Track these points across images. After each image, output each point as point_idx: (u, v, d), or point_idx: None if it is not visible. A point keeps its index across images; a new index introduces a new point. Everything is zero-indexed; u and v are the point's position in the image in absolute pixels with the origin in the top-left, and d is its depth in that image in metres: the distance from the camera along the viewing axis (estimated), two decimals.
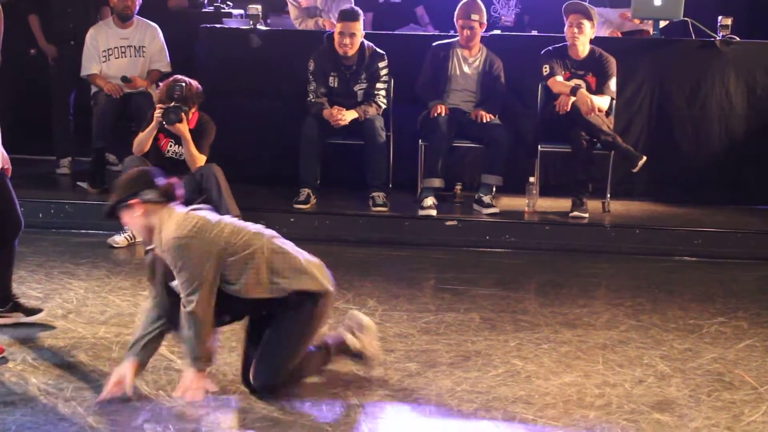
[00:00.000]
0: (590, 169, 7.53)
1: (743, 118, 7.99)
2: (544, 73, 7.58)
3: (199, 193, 7.11)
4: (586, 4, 7.67)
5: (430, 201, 7.33)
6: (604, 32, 8.53)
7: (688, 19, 8.11)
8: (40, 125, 8.48)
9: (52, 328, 5.06)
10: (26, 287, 5.47)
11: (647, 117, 8.10)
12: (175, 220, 4.20)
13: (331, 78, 7.58)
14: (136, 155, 7.05)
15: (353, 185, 7.75)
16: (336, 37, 7.47)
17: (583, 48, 7.56)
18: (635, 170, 7.43)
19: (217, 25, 8.45)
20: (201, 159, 7.05)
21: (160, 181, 4.32)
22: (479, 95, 7.73)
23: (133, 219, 4.28)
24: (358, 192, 7.61)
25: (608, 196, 7.66)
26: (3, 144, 4.80)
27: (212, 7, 9.52)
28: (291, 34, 8.54)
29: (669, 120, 8.08)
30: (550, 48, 7.66)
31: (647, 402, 4.34)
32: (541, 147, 7.68)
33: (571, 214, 7.38)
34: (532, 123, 7.87)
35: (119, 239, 6.83)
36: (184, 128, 6.97)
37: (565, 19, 7.56)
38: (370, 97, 7.58)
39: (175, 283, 4.16)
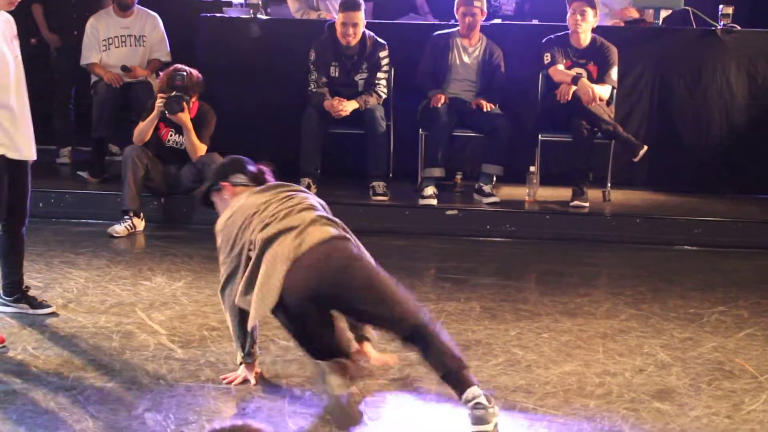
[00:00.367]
0: (591, 158, 7.52)
1: (744, 107, 7.98)
2: (545, 62, 7.57)
3: (200, 181, 7.12)
4: None
5: (430, 190, 7.33)
6: (607, 22, 8.51)
7: (689, 8, 8.10)
8: (40, 115, 8.45)
9: (53, 317, 5.06)
10: (27, 276, 5.46)
11: (648, 106, 8.09)
12: (233, 204, 4.23)
13: (332, 68, 7.57)
14: (137, 145, 7.06)
15: (354, 175, 7.74)
16: (338, 27, 7.46)
17: (585, 36, 7.54)
18: (636, 159, 7.43)
19: (218, 15, 8.43)
20: (202, 148, 7.06)
21: (251, 167, 4.40)
22: (479, 85, 7.72)
23: (222, 201, 4.34)
24: (359, 181, 7.60)
25: (609, 185, 7.66)
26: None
27: None
28: (291, 23, 8.53)
29: (670, 109, 8.07)
30: (551, 36, 7.65)
31: (647, 391, 4.34)
32: (541, 136, 7.68)
33: (571, 204, 7.37)
34: (532, 112, 7.86)
35: (119, 229, 6.83)
36: (185, 118, 6.98)
37: (568, 6, 7.54)
38: (370, 86, 7.57)
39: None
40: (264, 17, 8.25)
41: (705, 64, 8.00)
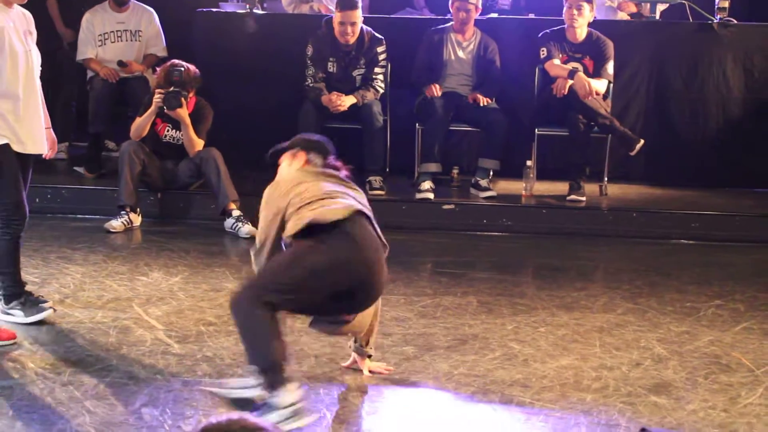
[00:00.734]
0: (587, 152, 7.53)
1: (740, 101, 7.98)
2: (542, 56, 7.57)
3: (197, 177, 7.13)
4: None
5: (427, 185, 7.33)
6: (613, 16, 8.50)
7: (686, 2, 8.09)
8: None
9: (50, 312, 5.05)
10: (23, 272, 5.45)
11: (644, 100, 8.10)
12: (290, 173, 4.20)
13: (329, 63, 7.56)
14: (134, 140, 7.06)
15: (350, 169, 7.71)
16: (336, 27, 7.43)
17: (581, 31, 7.54)
18: (633, 153, 7.43)
19: (213, 9, 8.42)
20: (199, 143, 7.07)
21: (333, 158, 4.37)
22: (475, 79, 7.72)
23: (285, 168, 4.27)
24: (356, 176, 7.53)
25: (605, 179, 7.66)
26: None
27: None
28: (287, 17, 8.52)
29: (666, 103, 8.07)
30: (547, 31, 7.64)
31: (644, 385, 4.34)
32: (538, 130, 7.68)
33: (568, 198, 7.38)
34: (529, 106, 7.86)
35: (116, 224, 6.82)
36: (184, 113, 6.98)
37: (564, 1, 7.54)
38: (368, 82, 7.57)
39: None
40: (260, 12, 8.24)
41: (701, 57, 8.00)
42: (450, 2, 7.65)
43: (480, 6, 7.65)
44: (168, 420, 3.85)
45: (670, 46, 8.05)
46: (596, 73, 7.50)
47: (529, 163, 7.55)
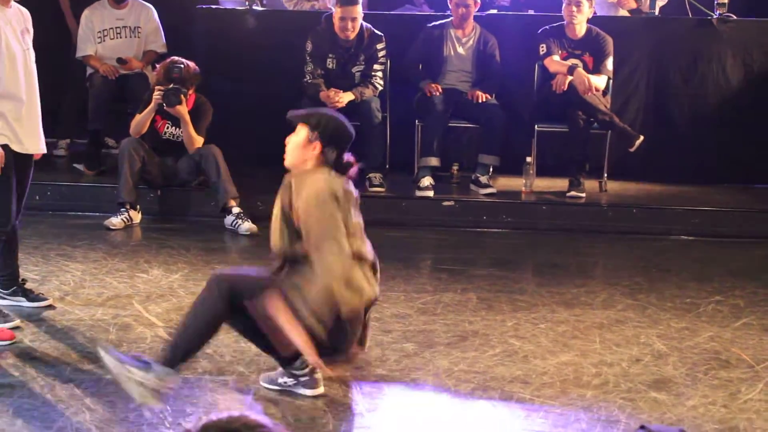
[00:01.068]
0: (587, 148, 7.52)
1: (740, 97, 7.98)
2: (541, 53, 7.56)
3: (197, 173, 7.13)
4: None
5: (427, 181, 7.33)
6: (613, 12, 8.49)
7: None
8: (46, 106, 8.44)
9: (50, 309, 5.06)
10: (23, 269, 5.45)
11: (644, 96, 8.09)
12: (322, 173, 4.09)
13: (328, 59, 7.55)
14: (134, 137, 7.05)
15: (358, 165, 7.71)
16: (336, 22, 7.42)
17: (581, 27, 7.54)
18: (632, 149, 7.43)
19: (213, 6, 8.41)
20: (199, 140, 7.06)
21: (348, 154, 4.22)
22: (475, 75, 7.72)
23: (304, 156, 4.16)
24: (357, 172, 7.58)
25: (605, 175, 7.65)
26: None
27: None
28: (287, 14, 8.51)
29: (666, 99, 8.07)
30: (546, 27, 7.64)
31: (644, 381, 4.35)
32: (537, 127, 7.67)
33: (568, 194, 7.38)
34: (528, 103, 7.85)
35: (116, 221, 6.82)
36: (183, 110, 6.98)
37: None
38: (367, 78, 7.56)
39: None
40: (259, 8, 8.23)
41: (701, 53, 8.00)
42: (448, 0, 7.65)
43: (479, 0, 7.64)
44: (168, 417, 3.86)
45: (670, 42, 8.05)
46: (596, 69, 7.49)
47: (528, 159, 7.54)
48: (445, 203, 7.29)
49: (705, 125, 8.02)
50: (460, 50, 7.71)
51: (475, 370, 4.41)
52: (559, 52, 7.54)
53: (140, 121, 7.04)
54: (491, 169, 7.58)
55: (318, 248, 3.87)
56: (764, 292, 5.72)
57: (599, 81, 7.43)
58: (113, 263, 5.98)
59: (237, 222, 6.84)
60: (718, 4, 7.86)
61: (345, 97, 7.39)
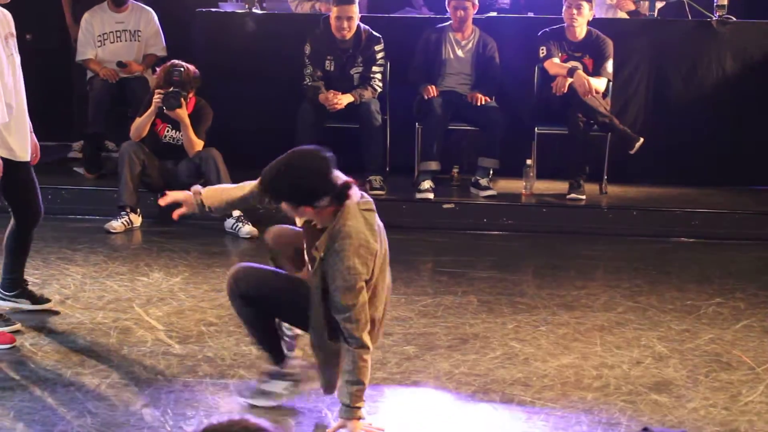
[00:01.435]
0: (587, 151, 7.52)
1: (740, 99, 7.98)
2: (541, 55, 7.56)
3: (197, 177, 7.12)
4: None
5: (427, 184, 7.33)
6: (609, 14, 8.50)
7: (685, 0, 8.09)
8: (38, 110, 8.45)
9: (50, 313, 5.06)
10: (24, 273, 5.46)
11: (644, 98, 8.09)
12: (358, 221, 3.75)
13: (327, 61, 7.56)
14: (134, 140, 7.06)
15: (350, 169, 7.67)
16: (333, 21, 7.44)
17: (581, 30, 7.54)
18: (632, 152, 7.43)
19: (213, 9, 8.42)
20: (199, 144, 7.06)
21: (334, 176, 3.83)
22: (474, 77, 7.72)
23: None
24: (355, 175, 7.54)
25: (605, 177, 7.65)
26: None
27: None
28: (287, 17, 8.52)
29: (666, 101, 8.07)
30: (546, 30, 7.64)
31: (645, 383, 4.35)
32: (537, 129, 7.68)
33: (568, 197, 7.38)
34: (528, 105, 7.85)
35: (116, 225, 6.82)
36: (183, 113, 6.98)
37: (563, 0, 7.53)
38: (366, 80, 7.56)
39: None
40: (259, 11, 8.24)
41: (700, 55, 8.00)
42: (447, 1, 7.65)
43: (477, 3, 7.64)
44: (169, 421, 3.86)
45: (670, 44, 8.05)
46: (596, 71, 7.49)
47: (528, 161, 7.55)
48: (446, 206, 7.29)
49: (705, 127, 8.02)
50: (460, 53, 7.71)
51: (476, 373, 4.41)
52: (559, 54, 7.54)
53: (140, 125, 7.04)
54: (491, 172, 7.59)
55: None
56: (765, 294, 5.72)
57: (599, 83, 7.43)
58: (114, 266, 5.98)
59: (237, 225, 6.84)
60: (717, 6, 7.86)
61: (344, 100, 7.40)
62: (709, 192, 7.76)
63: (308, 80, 7.51)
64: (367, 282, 3.67)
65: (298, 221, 3.97)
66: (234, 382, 4.25)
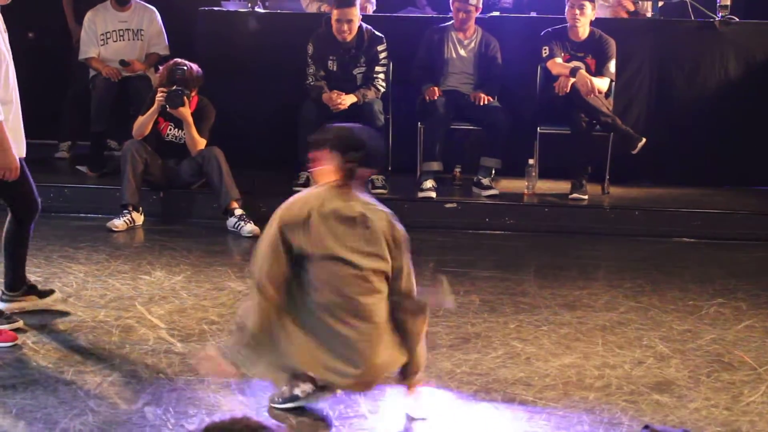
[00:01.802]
0: (589, 151, 7.52)
1: (742, 99, 7.98)
2: (544, 55, 7.56)
3: (199, 176, 7.14)
4: None
5: (429, 184, 7.34)
6: (603, 14, 8.50)
7: (688, 0, 8.09)
8: (38, 109, 8.46)
9: (53, 311, 5.06)
10: (26, 271, 5.46)
11: (647, 98, 8.10)
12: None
13: (330, 61, 7.56)
14: (136, 139, 7.06)
15: None
16: (333, 24, 7.44)
17: (583, 30, 7.54)
18: (635, 152, 7.43)
19: (216, 8, 8.42)
20: (201, 142, 7.07)
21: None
22: (477, 77, 7.72)
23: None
24: None
25: (607, 177, 7.66)
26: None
27: None
28: (289, 16, 8.53)
29: (668, 101, 8.07)
30: (549, 29, 7.64)
31: (647, 383, 4.35)
32: (540, 129, 7.68)
33: (570, 196, 7.38)
34: (531, 105, 7.85)
35: (119, 223, 6.83)
36: (186, 112, 6.99)
37: (566, 0, 7.54)
38: (369, 80, 7.56)
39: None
40: (262, 11, 8.24)
41: (703, 55, 8.00)
42: (450, 1, 7.65)
43: (480, 6, 7.64)
44: (171, 419, 3.86)
45: (672, 44, 8.05)
46: (598, 71, 7.49)
47: (531, 161, 7.55)
48: (448, 205, 7.29)
49: (707, 127, 8.02)
50: (462, 52, 7.71)
51: (478, 372, 4.41)
52: (562, 54, 7.54)
53: (143, 123, 7.05)
54: (493, 172, 7.59)
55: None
56: (767, 294, 5.72)
57: (602, 83, 7.43)
58: (116, 265, 5.99)
59: (239, 224, 6.84)
60: (720, 6, 7.86)
61: (347, 99, 7.40)
62: (712, 192, 7.76)
63: (311, 80, 7.52)
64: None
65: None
66: (235, 381, 4.25)
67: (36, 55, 8.66)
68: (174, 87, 6.95)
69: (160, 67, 7.26)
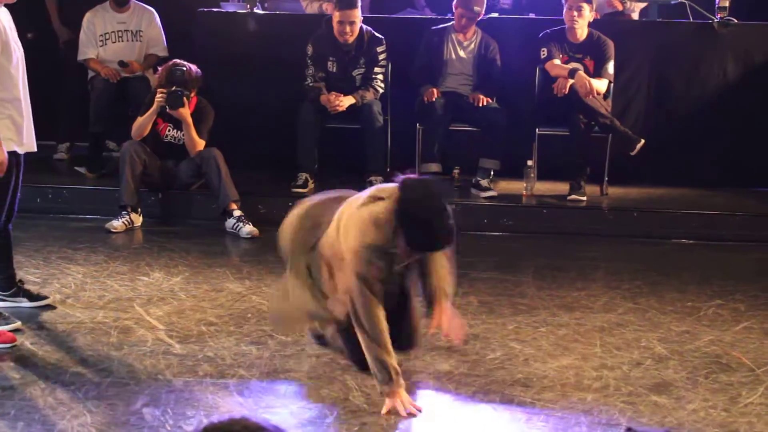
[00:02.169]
0: (588, 152, 7.52)
1: (741, 101, 7.98)
2: (542, 57, 7.57)
3: (198, 177, 7.14)
4: None
5: None
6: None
7: (686, 1, 8.09)
8: (37, 109, 8.45)
9: (51, 312, 5.06)
10: (24, 272, 5.47)
11: (645, 100, 8.09)
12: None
13: (329, 63, 7.57)
14: (135, 140, 7.06)
15: (351, 169, 7.74)
16: (335, 25, 7.44)
17: (582, 31, 7.54)
18: (633, 153, 7.43)
19: (215, 9, 8.42)
20: (200, 143, 7.07)
21: None
22: (476, 78, 7.72)
23: None
24: (356, 176, 7.59)
25: (606, 179, 7.66)
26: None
27: None
28: (288, 17, 8.52)
29: (667, 103, 8.07)
30: (548, 31, 7.64)
31: (645, 384, 4.35)
32: (538, 130, 7.68)
33: (568, 198, 7.38)
34: (529, 106, 7.85)
35: (117, 224, 6.83)
36: (186, 113, 6.99)
37: (564, 1, 7.54)
38: (367, 81, 7.57)
39: None
40: (260, 11, 8.24)
41: (702, 57, 8.00)
42: (454, 5, 7.64)
43: (483, 12, 7.65)
44: (169, 420, 3.86)
45: (671, 45, 8.05)
46: (597, 73, 7.50)
47: (529, 162, 7.55)
48: None
49: (706, 129, 8.02)
50: (462, 53, 7.71)
51: (476, 374, 4.42)
52: (560, 55, 7.54)
53: (142, 124, 7.05)
54: (492, 173, 7.59)
55: None
56: (765, 295, 5.72)
57: (600, 84, 7.43)
58: (114, 266, 5.99)
59: (238, 225, 6.84)
60: (719, 7, 7.86)
61: (346, 101, 7.41)
62: (710, 194, 7.76)
63: (309, 81, 7.52)
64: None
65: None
66: (234, 382, 4.25)
67: (35, 56, 8.64)
68: (174, 88, 6.94)
69: (159, 68, 7.26)
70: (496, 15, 8.43)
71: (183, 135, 7.10)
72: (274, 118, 8.04)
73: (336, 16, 7.42)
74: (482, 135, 7.66)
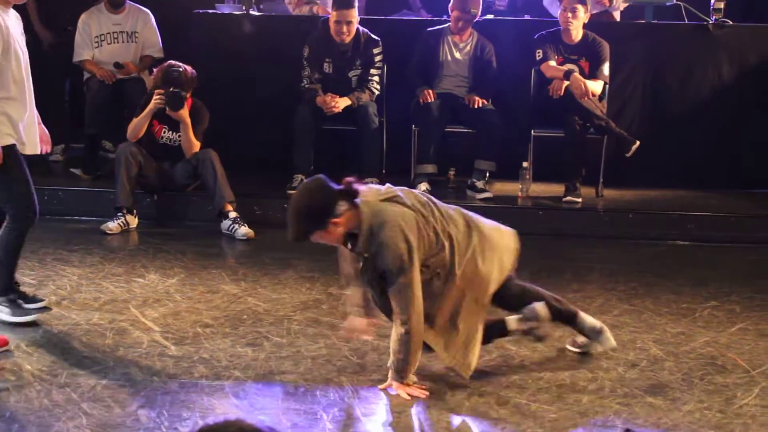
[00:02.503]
0: (583, 153, 7.53)
1: (736, 102, 7.99)
2: (537, 58, 7.57)
3: (194, 178, 7.14)
4: None
5: (423, 186, 7.33)
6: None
7: (681, 3, 8.11)
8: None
9: (46, 314, 5.05)
10: (19, 274, 5.45)
11: (640, 101, 8.11)
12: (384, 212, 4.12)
13: (325, 64, 7.57)
14: (130, 141, 7.06)
15: (347, 171, 7.71)
16: (332, 25, 7.45)
17: (577, 33, 7.55)
18: (628, 155, 7.43)
19: (210, 11, 8.42)
20: (197, 145, 7.07)
21: (336, 185, 4.14)
22: (471, 80, 7.73)
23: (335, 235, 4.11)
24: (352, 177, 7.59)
25: (601, 180, 7.67)
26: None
27: None
28: (284, 19, 8.53)
29: (662, 104, 8.08)
30: (543, 32, 7.65)
31: (640, 386, 4.35)
32: (534, 132, 7.69)
33: (564, 199, 7.39)
34: (525, 108, 7.86)
35: (113, 226, 6.82)
36: (185, 114, 6.99)
37: (558, 3, 7.55)
38: (363, 83, 7.57)
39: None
40: (256, 13, 8.24)
41: (697, 58, 8.02)
42: (450, 8, 7.65)
43: (479, 14, 7.66)
44: (165, 422, 3.86)
45: (666, 47, 8.06)
46: (592, 74, 7.50)
47: (525, 164, 7.55)
48: None
49: (701, 130, 8.03)
50: (457, 55, 7.72)
51: (472, 375, 4.41)
52: (556, 57, 7.55)
53: (137, 125, 7.05)
54: (488, 174, 7.59)
55: None
56: (760, 297, 5.73)
57: (595, 86, 7.44)
58: (110, 268, 5.98)
59: (234, 226, 6.84)
60: (713, 9, 7.88)
61: (341, 103, 7.41)
62: (705, 195, 7.77)
63: (305, 82, 7.53)
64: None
65: (341, 249, 4.34)
66: (229, 384, 4.25)
67: (34, 57, 8.62)
68: (171, 88, 6.94)
69: (155, 70, 7.25)
70: (491, 17, 8.44)
71: (179, 136, 7.09)
72: (270, 119, 8.04)
73: (333, 16, 7.44)
74: (478, 136, 7.66)
